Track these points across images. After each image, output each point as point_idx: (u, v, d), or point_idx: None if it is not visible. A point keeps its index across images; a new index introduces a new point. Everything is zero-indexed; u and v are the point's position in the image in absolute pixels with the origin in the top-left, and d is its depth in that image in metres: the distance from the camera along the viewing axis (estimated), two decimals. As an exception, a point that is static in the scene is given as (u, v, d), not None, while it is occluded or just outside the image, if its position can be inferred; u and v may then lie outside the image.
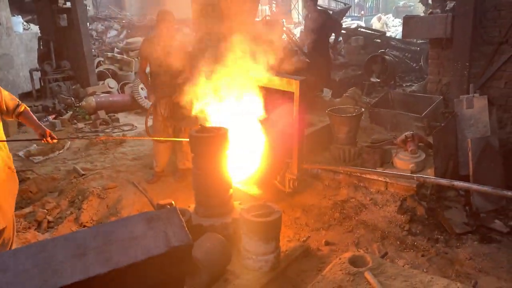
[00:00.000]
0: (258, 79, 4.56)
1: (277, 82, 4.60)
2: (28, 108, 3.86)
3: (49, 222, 5.46)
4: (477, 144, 4.74)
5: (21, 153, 7.30)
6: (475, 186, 3.97)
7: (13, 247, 4.05)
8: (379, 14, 22.05)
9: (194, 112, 4.29)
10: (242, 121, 4.58)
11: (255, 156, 4.83)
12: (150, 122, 5.79)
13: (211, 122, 4.26)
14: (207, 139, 3.69)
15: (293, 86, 4.50)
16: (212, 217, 3.86)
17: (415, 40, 11.92)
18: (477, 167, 4.66)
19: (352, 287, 3.17)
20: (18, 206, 5.91)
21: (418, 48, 11.91)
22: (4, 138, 3.67)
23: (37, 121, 3.84)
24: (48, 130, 3.83)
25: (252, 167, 4.88)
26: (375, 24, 20.13)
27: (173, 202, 4.12)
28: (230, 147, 3.88)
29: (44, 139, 3.76)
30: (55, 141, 3.90)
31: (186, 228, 1.13)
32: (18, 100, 3.75)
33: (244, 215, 3.45)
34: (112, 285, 1.04)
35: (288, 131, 4.92)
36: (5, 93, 3.65)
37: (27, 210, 5.61)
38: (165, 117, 5.49)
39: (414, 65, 11.74)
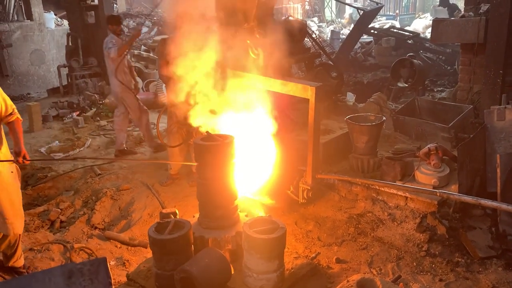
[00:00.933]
0: (271, 84, 4.37)
1: (291, 88, 4.39)
2: (20, 120, 3.81)
3: (61, 222, 5.46)
4: (508, 159, 4.37)
5: (42, 150, 7.39)
6: (504, 206, 3.65)
7: (20, 246, 4.05)
8: (424, 21, 20.80)
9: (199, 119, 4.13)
10: (253, 129, 4.40)
11: (267, 165, 4.64)
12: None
13: (219, 130, 4.08)
14: (212, 148, 3.53)
15: (309, 92, 4.27)
16: (216, 229, 3.70)
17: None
18: (507, 184, 4.30)
19: (357, 315, 2.95)
20: (34, 204, 5.98)
21: (453, 51, 11.37)
22: (4, 141, 3.64)
23: (20, 138, 3.78)
24: (24, 151, 3.79)
25: (264, 176, 4.70)
26: (418, 27, 19.13)
27: (177, 211, 4.01)
28: (236, 156, 3.70)
29: (18, 159, 3.74)
30: (26, 163, 3.90)
31: (112, 286, 0.95)
32: (14, 108, 3.72)
33: (245, 230, 3.27)
34: None
35: (303, 138, 4.72)
36: (5, 96, 3.61)
37: (41, 208, 5.64)
38: (180, 120, 5.37)
39: (448, 68, 11.22)
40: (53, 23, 13.20)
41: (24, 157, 3.77)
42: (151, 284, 3.47)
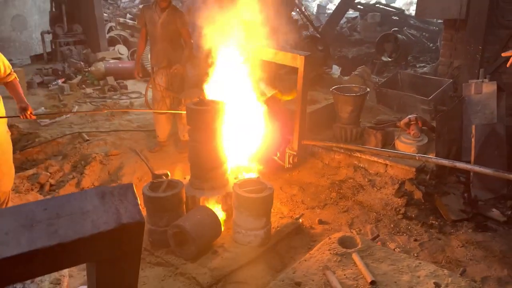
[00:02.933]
0: (262, 53, 4.49)
1: (281, 57, 4.53)
2: (18, 80, 3.88)
3: (51, 185, 5.55)
4: (482, 130, 4.64)
5: (28, 115, 7.37)
6: (476, 168, 3.94)
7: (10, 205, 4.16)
8: None
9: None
10: (244, 97, 4.53)
11: (257, 133, 4.80)
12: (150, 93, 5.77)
13: (210, 96, 4.21)
14: (203, 112, 3.67)
15: (298, 61, 4.43)
16: (206, 189, 3.87)
17: (434, 19, 11.58)
18: (480, 153, 4.58)
19: (338, 268, 3.19)
20: (22, 167, 6.03)
21: (437, 28, 11.57)
22: (0, 100, 3.71)
23: (22, 95, 3.87)
24: (30, 107, 3.87)
25: (254, 144, 4.86)
26: (401, 1, 19.29)
27: (168, 173, 4.18)
28: (226, 121, 3.85)
29: (22, 115, 3.81)
30: (33, 117, 3.97)
31: (139, 206, 1.12)
32: (11, 69, 3.77)
33: (235, 190, 3.45)
34: (58, 259, 1.05)
35: (290, 107, 4.88)
36: (3, 57, 3.66)
37: (30, 172, 5.70)
38: (163, 88, 5.46)
39: (431, 45, 11.44)
40: (35, -12, 12.87)
41: (31, 113, 3.86)
42: (144, 240, 3.64)
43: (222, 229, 3.63)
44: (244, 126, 4.55)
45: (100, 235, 1.06)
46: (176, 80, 5.35)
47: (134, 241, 1.15)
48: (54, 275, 1.67)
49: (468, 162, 4.57)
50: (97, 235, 1.06)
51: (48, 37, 10.44)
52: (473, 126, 4.56)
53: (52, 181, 5.58)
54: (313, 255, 3.34)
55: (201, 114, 3.67)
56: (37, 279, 1.65)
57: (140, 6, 12.48)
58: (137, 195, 1.18)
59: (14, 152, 6.06)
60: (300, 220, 4.18)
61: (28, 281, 1.70)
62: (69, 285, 1.86)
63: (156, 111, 5.57)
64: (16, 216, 1.05)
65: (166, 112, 5.54)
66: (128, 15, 12.24)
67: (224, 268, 3.33)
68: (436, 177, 4.66)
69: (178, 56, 5.33)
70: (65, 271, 1.77)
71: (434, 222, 4.20)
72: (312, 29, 8.52)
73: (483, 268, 3.60)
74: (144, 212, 3.85)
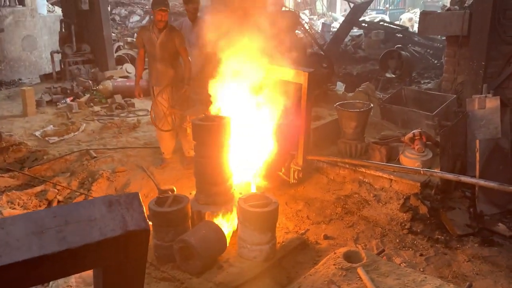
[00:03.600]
0: (266, 70, 4.56)
1: (286, 73, 4.60)
2: None
3: (59, 201, 5.61)
4: (486, 145, 4.65)
5: (37, 133, 7.49)
6: (482, 182, 3.96)
7: None
8: (411, 14, 21.27)
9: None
10: (249, 112, 4.59)
11: (262, 149, 4.85)
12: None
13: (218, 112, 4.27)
14: (209, 127, 3.73)
15: (302, 77, 4.49)
16: (212, 204, 3.91)
17: (438, 36, 11.67)
18: (485, 168, 4.58)
19: (343, 282, 3.18)
20: (31, 184, 6.11)
21: (441, 45, 11.65)
22: None
23: None
24: None
25: (259, 159, 4.90)
26: (406, 23, 19.59)
27: (174, 188, 4.22)
28: (231, 136, 3.91)
29: None
30: None
31: (145, 214, 1.16)
32: None
33: (240, 204, 3.48)
34: (67, 264, 1.09)
35: (295, 123, 4.93)
36: None
37: (38, 188, 5.77)
38: (167, 106, 5.54)
39: (435, 62, 11.51)
40: (45, 9, 13.18)
41: None
42: (150, 255, 3.67)
43: (228, 244, 3.64)
44: (249, 141, 4.60)
45: (106, 241, 1.11)
46: (181, 98, 5.44)
47: (139, 248, 1.19)
48: (62, 285, 1.71)
49: (473, 176, 4.58)
50: (104, 241, 1.10)
51: (58, 57, 10.67)
52: (477, 141, 4.58)
53: (60, 198, 5.64)
54: (318, 269, 3.34)
55: (207, 130, 3.73)
56: (45, 289, 1.69)
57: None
58: (143, 204, 1.22)
59: (21, 169, 6.20)
60: (305, 235, 4.18)
61: (37, 291, 1.74)
62: (76, 296, 1.89)
63: (161, 129, 5.63)
64: (27, 223, 1.10)
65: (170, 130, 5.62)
66: (135, 35, 12.45)
67: (230, 283, 3.34)
68: (441, 192, 4.66)
69: (178, 75, 5.44)
70: (72, 281, 1.81)
71: (439, 237, 4.19)
72: (316, 47, 8.63)
73: (490, 283, 3.57)
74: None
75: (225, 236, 3.55)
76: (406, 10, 23.61)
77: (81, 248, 1.08)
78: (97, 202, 1.20)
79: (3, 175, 5.99)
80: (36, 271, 1.04)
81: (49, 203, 5.56)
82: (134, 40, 11.59)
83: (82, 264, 1.12)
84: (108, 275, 1.21)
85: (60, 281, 1.76)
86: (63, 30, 10.78)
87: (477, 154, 4.54)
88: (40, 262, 1.04)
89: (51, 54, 10.71)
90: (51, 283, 1.73)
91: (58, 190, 5.74)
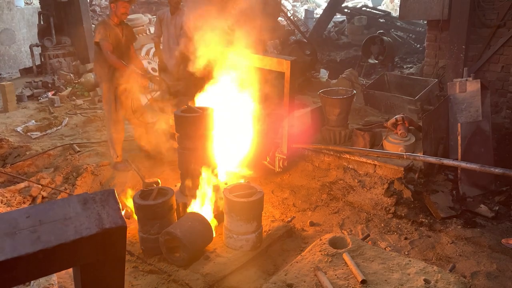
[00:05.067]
0: (248, 59, 4.54)
1: (268, 62, 4.58)
2: None
3: (43, 197, 5.54)
4: (467, 128, 4.72)
5: (19, 129, 7.38)
6: (463, 164, 4.02)
7: None
8: None
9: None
10: (232, 104, 4.58)
11: (246, 138, 4.85)
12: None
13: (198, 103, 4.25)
14: (192, 119, 3.70)
15: (284, 66, 4.48)
16: (197, 196, 3.90)
17: (421, 21, 11.72)
18: (467, 151, 4.65)
19: (329, 268, 3.22)
20: (14, 181, 6.03)
21: (423, 30, 11.71)
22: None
23: None
24: None
25: (243, 149, 4.91)
26: (388, 5, 19.66)
27: (159, 180, 4.20)
28: (215, 128, 3.89)
29: None
30: None
31: (121, 211, 1.15)
32: None
33: (226, 195, 3.49)
34: (42, 265, 1.07)
35: (278, 112, 4.93)
36: None
37: (22, 185, 5.69)
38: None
39: (418, 46, 11.57)
40: (22, 2, 12.90)
41: None
42: (136, 248, 3.67)
43: (214, 234, 3.65)
44: (233, 131, 4.59)
45: (82, 240, 1.10)
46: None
47: (117, 246, 1.18)
48: (43, 284, 1.69)
49: (456, 159, 4.65)
50: (79, 240, 1.09)
51: (37, 50, 10.46)
52: (459, 124, 4.64)
53: (44, 194, 5.57)
54: (305, 256, 3.37)
55: (190, 121, 3.70)
56: (27, 288, 1.67)
57: (129, 17, 12.52)
58: (118, 201, 1.21)
59: (3, 166, 6.11)
60: (291, 222, 4.21)
61: (18, 291, 1.72)
62: (58, 293, 1.88)
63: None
64: (-1, 224, 1.08)
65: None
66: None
67: (217, 273, 3.35)
68: (424, 176, 4.72)
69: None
70: (54, 279, 1.79)
71: (423, 220, 4.25)
72: (299, 34, 8.61)
73: (473, 264, 3.65)
74: (135, 221, 3.87)
75: (211, 227, 3.55)
76: (389, -5, 23.56)
77: (56, 248, 1.07)
78: (72, 200, 1.19)
79: (-15, 172, 5.89)
80: (10, 273, 1.03)
81: (33, 199, 5.49)
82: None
83: (58, 264, 1.11)
84: (86, 274, 1.21)
85: (42, 279, 1.74)
86: (42, 22, 10.55)
87: (459, 138, 4.61)
88: (14, 264, 1.02)
89: (31, 47, 10.50)
90: (32, 282, 1.72)
91: (42, 186, 5.67)
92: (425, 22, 11.49)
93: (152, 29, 11.19)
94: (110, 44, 5.00)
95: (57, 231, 1.09)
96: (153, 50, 10.08)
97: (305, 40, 7.45)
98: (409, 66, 9.85)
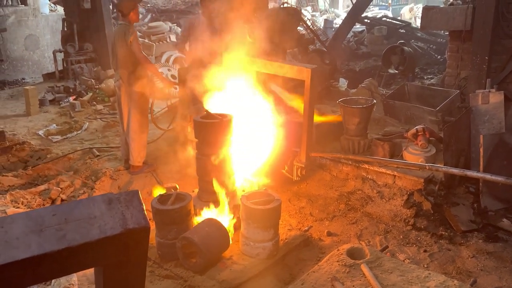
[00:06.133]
0: (268, 66, 4.55)
1: (288, 70, 4.58)
2: None
3: (62, 200, 5.62)
4: (490, 140, 4.63)
5: (40, 132, 7.51)
6: (488, 176, 3.89)
7: None
8: (411, 5, 21.38)
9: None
10: (251, 111, 4.58)
11: (265, 147, 4.84)
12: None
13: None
14: (211, 125, 3.72)
15: (304, 74, 4.47)
16: (214, 202, 3.90)
17: (442, 31, 11.60)
18: (489, 164, 4.56)
19: (347, 279, 3.18)
20: (34, 183, 6.13)
21: (444, 40, 11.59)
22: None
23: None
24: None
25: (262, 157, 4.89)
26: (406, 14, 19.60)
27: (177, 186, 4.21)
28: (234, 134, 3.89)
29: None
30: None
31: (145, 212, 1.15)
32: None
33: (243, 202, 3.48)
34: (66, 263, 1.08)
35: (298, 120, 4.92)
36: None
37: (42, 187, 5.78)
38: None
39: (438, 57, 11.45)
40: (47, 9, 13.19)
41: None
42: (153, 253, 3.68)
43: (230, 241, 3.64)
44: (252, 139, 4.59)
45: (106, 239, 1.10)
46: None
47: (139, 246, 1.18)
48: (64, 284, 1.70)
49: (479, 171, 4.55)
50: (103, 239, 1.10)
51: (60, 56, 10.67)
52: (481, 136, 4.55)
53: (63, 196, 5.65)
54: (322, 266, 3.33)
55: (208, 128, 3.72)
56: (48, 287, 1.68)
57: (150, 25, 12.72)
58: (142, 202, 1.21)
59: (25, 168, 6.22)
60: (308, 232, 4.18)
61: (39, 290, 1.74)
62: (78, 294, 1.89)
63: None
64: (26, 222, 1.09)
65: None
66: (138, 33, 12.45)
67: (233, 280, 3.33)
68: (445, 188, 4.63)
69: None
70: (75, 280, 1.81)
71: (443, 233, 4.17)
72: (319, 43, 8.60)
73: (494, 279, 3.56)
74: (153, 225, 3.89)
75: (228, 234, 3.54)
76: (409, 6, 23.45)
77: (81, 247, 1.08)
78: (97, 200, 1.20)
79: (7, 174, 6.00)
80: (35, 270, 1.04)
81: (53, 201, 5.57)
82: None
83: (82, 263, 1.12)
84: (108, 274, 1.21)
85: (63, 279, 1.76)
86: (65, 29, 10.80)
87: (481, 150, 4.52)
88: (39, 261, 1.03)
89: (54, 53, 10.72)
90: (53, 281, 1.73)
91: (61, 188, 5.75)
92: (447, 33, 11.43)
93: (173, 37, 11.35)
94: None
95: (82, 230, 1.10)
96: (173, 57, 10.20)
97: (324, 49, 7.44)
98: (429, 77, 9.74)
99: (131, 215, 1.16)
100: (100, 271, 1.25)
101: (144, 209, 1.20)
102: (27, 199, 5.50)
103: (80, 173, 6.01)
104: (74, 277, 1.76)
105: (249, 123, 4.56)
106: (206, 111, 3.94)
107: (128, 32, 5.06)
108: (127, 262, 1.20)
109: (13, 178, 5.97)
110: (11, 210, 4.96)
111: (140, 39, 11.64)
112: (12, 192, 5.42)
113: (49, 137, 7.37)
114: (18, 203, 5.32)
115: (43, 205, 5.46)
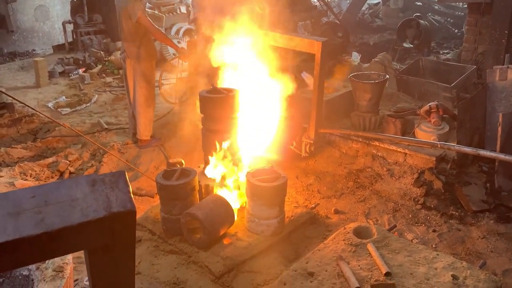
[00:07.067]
0: (277, 39, 4.40)
1: (297, 43, 4.43)
2: None
3: (70, 173, 5.63)
4: (509, 118, 4.46)
5: (50, 104, 7.50)
6: (502, 156, 3.80)
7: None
8: None
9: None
10: (259, 86, 4.47)
11: (273, 122, 4.74)
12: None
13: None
14: (217, 100, 3.63)
15: (315, 47, 4.32)
16: (220, 178, 3.85)
17: (460, 4, 11.19)
18: (506, 143, 4.40)
19: (352, 258, 3.13)
20: (43, 156, 6.15)
21: (462, 14, 11.19)
22: None
23: None
24: None
25: (270, 133, 4.80)
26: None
27: (183, 161, 4.17)
28: (241, 110, 3.80)
29: None
30: None
31: (131, 194, 1.08)
32: None
33: (249, 179, 3.42)
34: (46, 248, 1.02)
35: (307, 96, 4.80)
36: None
37: (50, 160, 5.80)
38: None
39: (456, 31, 11.09)
40: (57, -21, 13.00)
41: None
42: (158, 227, 3.66)
43: (235, 218, 3.60)
44: (259, 115, 4.49)
45: (89, 223, 1.04)
46: None
47: (126, 230, 1.12)
48: (58, 262, 1.67)
49: (493, 151, 4.42)
50: (85, 223, 1.03)
51: (70, 27, 10.56)
52: (500, 115, 4.38)
53: (72, 169, 5.66)
54: (327, 245, 3.28)
55: (214, 102, 3.63)
56: (42, 266, 1.65)
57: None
58: (129, 183, 1.14)
59: (34, 141, 6.23)
60: (315, 209, 4.12)
61: (33, 268, 1.71)
62: (72, 273, 1.86)
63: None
64: (3, 203, 1.03)
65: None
66: (148, 4, 12.24)
67: (237, 257, 3.31)
68: (457, 167, 4.51)
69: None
70: (69, 259, 1.77)
71: (454, 212, 4.08)
72: (332, 16, 8.35)
73: (505, 261, 3.48)
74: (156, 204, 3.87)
75: (232, 210, 3.50)
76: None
77: (61, 231, 1.01)
78: (80, 181, 1.13)
79: (16, 146, 6.03)
80: (12, 255, 0.98)
81: (61, 174, 5.59)
82: (146, 10, 11.40)
83: (63, 248, 1.06)
84: (93, 258, 1.15)
85: (57, 258, 1.73)
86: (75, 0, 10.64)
87: (499, 128, 4.36)
88: (16, 246, 0.97)
89: (63, 24, 10.61)
90: (47, 261, 1.71)
91: (69, 161, 5.76)
92: (465, 5, 11.01)
93: (183, 9, 11.12)
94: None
95: (62, 213, 1.03)
96: (183, 29, 10.02)
97: (337, 22, 7.21)
98: (445, 51, 9.44)
99: (116, 198, 1.09)
100: (86, 255, 1.19)
101: (131, 191, 1.13)
102: (35, 171, 5.52)
103: (88, 146, 6.00)
104: (69, 256, 1.73)
105: (257, 98, 4.46)
106: (213, 85, 3.85)
107: (133, 5, 4.96)
108: (113, 246, 1.14)
109: (22, 150, 5.99)
110: (19, 182, 4.98)
111: (149, 10, 11.45)
112: (21, 164, 5.44)
113: (58, 109, 7.35)
114: (27, 175, 5.34)
115: (52, 177, 5.48)
